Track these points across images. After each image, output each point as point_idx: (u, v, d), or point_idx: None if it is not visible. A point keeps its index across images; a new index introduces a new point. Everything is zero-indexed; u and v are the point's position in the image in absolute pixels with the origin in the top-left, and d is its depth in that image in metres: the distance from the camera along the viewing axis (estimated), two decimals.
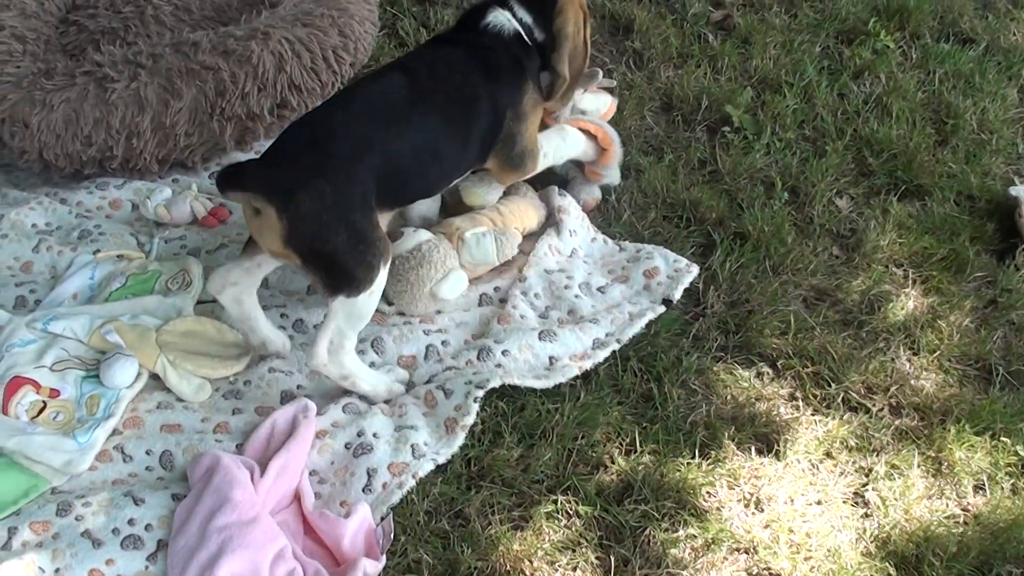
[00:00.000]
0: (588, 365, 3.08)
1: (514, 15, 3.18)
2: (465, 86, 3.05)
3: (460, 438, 2.84)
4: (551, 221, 3.48)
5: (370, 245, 2.71)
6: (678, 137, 3.90)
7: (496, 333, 3.13)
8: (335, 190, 2.67)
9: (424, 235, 3.20)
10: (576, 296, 3.28)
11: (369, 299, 2.75)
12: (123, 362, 2.91)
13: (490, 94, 3.08)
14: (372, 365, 3.03)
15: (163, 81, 3.51)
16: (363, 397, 2.95)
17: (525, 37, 3.19)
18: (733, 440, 2.94)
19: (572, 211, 3.49)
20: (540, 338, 3.11)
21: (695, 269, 3.38)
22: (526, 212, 3.44)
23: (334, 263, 2.69)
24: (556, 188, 3.53)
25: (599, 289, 3.33)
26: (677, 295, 3.30)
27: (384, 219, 2.91)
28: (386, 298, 3.19)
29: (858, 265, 3.50)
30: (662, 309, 3.26)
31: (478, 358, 3.04)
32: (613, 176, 3.57)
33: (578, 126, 3.46)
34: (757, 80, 4.14)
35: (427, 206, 3.41)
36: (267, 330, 3.03)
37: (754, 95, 4.05)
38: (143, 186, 3.58)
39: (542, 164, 3.32)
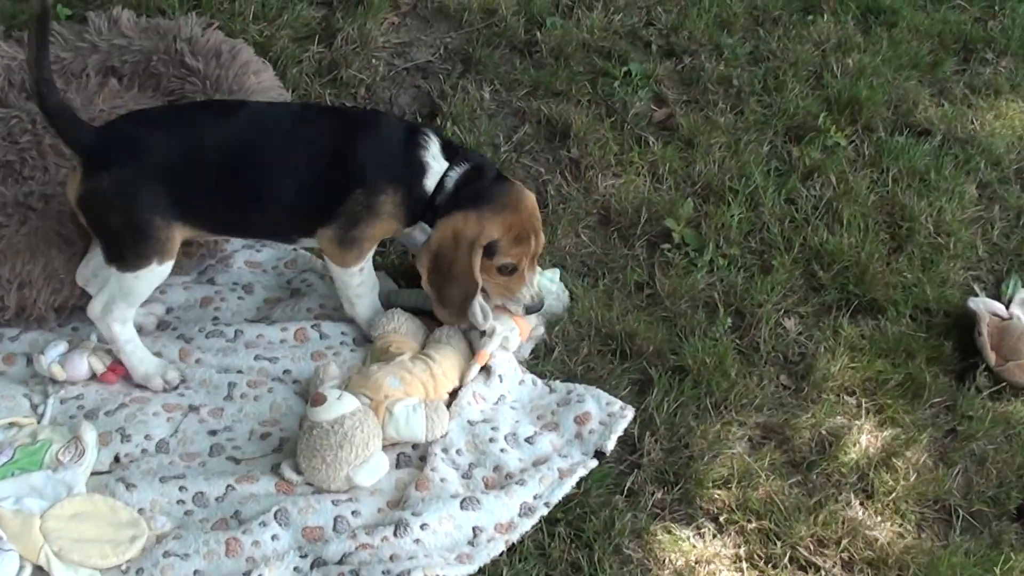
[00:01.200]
0: (515, 537, 2.83)
1: (446, 171, 3.15)
2: (325, 137, 3.10)
3: None
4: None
5: (147, 240, 3.00)
6: (615, 256, 3.66)
7: (414, 503, 2.88)
8: (134, 182, 2.96)
9: (349, 404, 2.96)
10: (502, 450, 3.04)
11: (136, 282, 3.05)
12: (1, 557, 2.66)
13: (348, 158, 3.06)
14: (275, 538, 2.80)
15: (55, 224, 3.29)
16: None
17: (430, 183, 3.14)
18: None
19: (500, 355, 3.25)
20: (462, 507, 2.86)
21: (630, 412, 3.14)
22: (457, 365, 3.21)
23: (109, 239, 3.04)
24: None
25: (527, 440, 3.08)
26: (610, 445, 3.05)
27: (187, 233, 3.09)
28: (297, 467, 2.95)
29: (807, 396, 3.26)
30: (594, 463, 3.01)
31: (395, 534, 2.79)
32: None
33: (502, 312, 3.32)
34: (701, 187, 3.91)
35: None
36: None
37: (696, 205, 3.82)
38: (39, 337, 3.34)
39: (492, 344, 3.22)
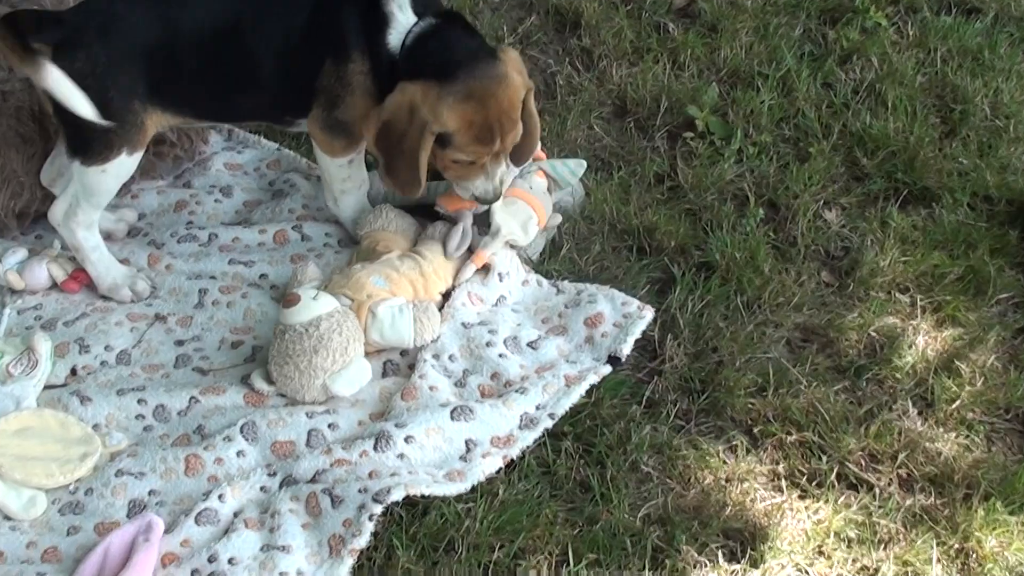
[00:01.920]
0: (514, 453, 2.44)
1: (412, 25, 2.66)
2: (293, 7, 2.70)
3: (347, 564, 2.21)
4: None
5: (120, 125, 2.63)
6: (632, 148, 3.25)
7: (398, 413, 2.50)
8: (107, 60, 2.60)
9: (326, 304, 2.57)
10: (501, 356, 2.64)
11: (101, 176, 2.71)
12: None
13: (319, 22, 2.67)
14: (240, 454, 2.44)
15: (13, 122, 2.91)
16: (222, 500, 2.32)
17: (393, 40, 2.67)
18: (696, 541, 2.29)
19: (502, 253, 2.84)
20: (453, 417, 2.47)
21: (649, 313, 2.73)
22: (449, 268, 2.81)
23: (76, 126, 2.61)
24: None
25: (529, 345, 2.68)
26: (626, 349, 2.65)
27: (165, 120, 2.75)
28: (268, 377, 2.56)
29: (854, 294, 2.85)
30: (607, 370, 2.62)
31: (375, 448, 2.41)
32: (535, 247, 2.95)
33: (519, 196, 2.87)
34: (727, 74, 3.49)
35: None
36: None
37: (722, 92, 3.40)
38: None
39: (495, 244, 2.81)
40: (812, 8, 3.73)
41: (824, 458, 2.46)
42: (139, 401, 2.56)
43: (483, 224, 2.85)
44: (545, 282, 2.86)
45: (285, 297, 2.59)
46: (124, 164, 2.72)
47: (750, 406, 2.57)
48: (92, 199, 2.76)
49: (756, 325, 2.73)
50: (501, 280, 2.80)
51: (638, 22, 3.70)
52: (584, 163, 3.02)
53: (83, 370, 2.69)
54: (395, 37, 2.64)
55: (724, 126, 3.28)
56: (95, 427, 2.53)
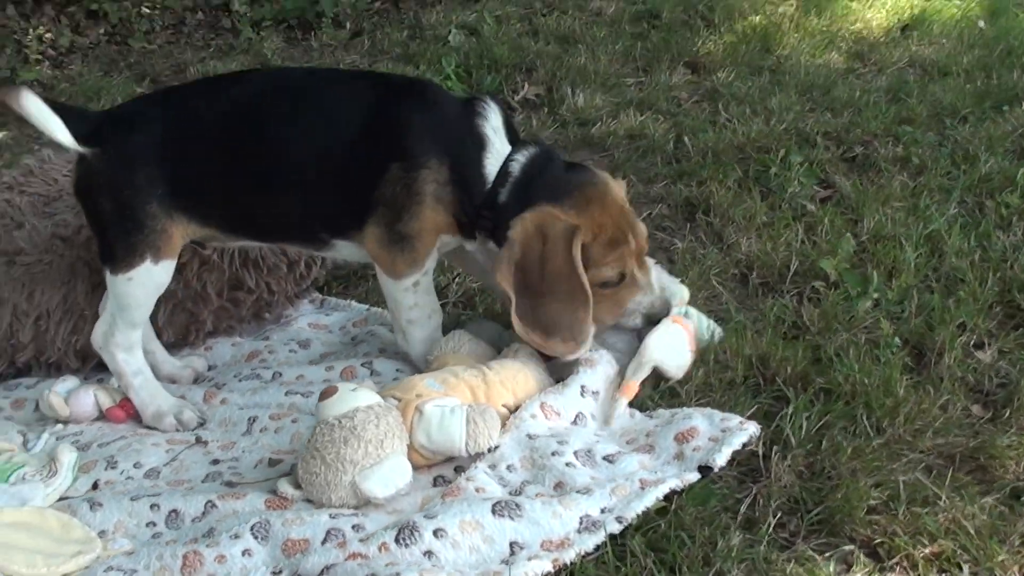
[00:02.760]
0: (568, 557, 1.98)
1: (510, 153, 2.49)
2: (356, 101, 2.48)
3: None
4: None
5: (139, 230, 2.49)
6: (754, 304, 2.88)
7: (431, 507, 2.09)
8: (126, 159, 2.49)
9: (365, 397, 2.24)
10: (568, 464, 2.21)
11: (129, 287, 2.54)
12: None
13: (384, 126, 2.42)
14: (246, 553, 2.04)
15: (82, 252, 2.84)
16: None
17: (490, 165, 2.48)
18: None
19: (601, 368, 2.48)
20: (495, 512, 2.04)
21: (752, 427, 2.28)
22: (523, 382, 2.45)
23: (100, 229, 2.56)
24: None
25: (606, 458, 2.25)
26: (720, 460, 2.19)
27: (190, 230, 2.56)
28: (297, 482, 2.22)
29: (1012, 421, 2.33)
30: (694, 477, 2.16)
31: (396, 540, 1.99)
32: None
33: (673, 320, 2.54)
34: (868, 238, 3.12)
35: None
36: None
37: (860, 248, 3.03)
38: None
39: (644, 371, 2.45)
40: (968, 187, 3.38)
41: (965, 569, 1.90)
42: (152, 507, 2.23)
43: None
44: (638, 414, 2.45)
45: (323, 391, 2.28)
46: (151, 273, 2.54)
47: (873, 523, 2.05)
48: (125, 314, 2.59)
49: (886, 445, 2.24)
50: (583, 395, 2.42)
51: (772, 206, 3.42)
52: (723, 333, 2.65)
53: (105, 484, 2.40)
54: (492, 163, 2.46)
55: (859, 279, 2.89)
56: (101, 534, 2.21)
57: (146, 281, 2.55)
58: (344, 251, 2.62)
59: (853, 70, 4.67)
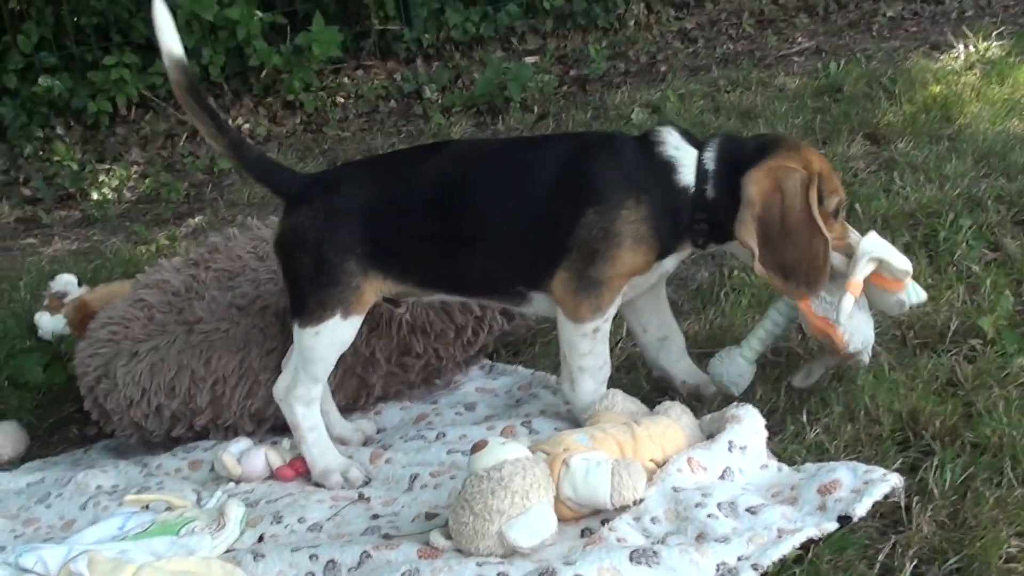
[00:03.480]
0: None
1: (698, 155, 2.61)
2: (547, 160, 2.65)
3: None
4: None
5: (334, 284, 2.65)
6: (911, 363, 2.89)
7: (571, 554, 2.20)
8: (329, 217, 2.66)
9: (514, 450, 2.37)
10: (710, 516, 2.28)
11: (315, 339, 2.69)
12: None
13: (576, 176, 2.56)
14: None
15: (257, 320, 3.06)
16: None
17: (686, 177, 2.59)
18: None
19: (748, 422, 2.54)
20: (633, 560, 2.13)
21: (895, 479, 2.30)
22: (672, 437, 2.55)
23: (294, 283, 2.70)
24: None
25: (748, 510, 2.31)
26: (860, 511, 2.22)
27: (386, 287, 2.72)
28: (448, 533, 2.36)
29: None
30: (832, 526, 2.20)
31: None
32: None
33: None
34: None
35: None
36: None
37: (1016, 304, 3.01)
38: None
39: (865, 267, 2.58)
40: None
41: None
42: (311, 557, 2.37)
43: None
44: (786, 468, 2.51)
45: (474, 445, 2.42)
46: (338, 329, 2.69)
47: (1011, 571, 2.05)
48: (309, 368, 2.73)
49: None
50: (731, 450, 2.49)
51: (938, 267, 3.42)
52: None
53: (270, 538, 2.57)
54: (687, 175, 2.59)
55: (1018, 335, 2.87)
56: None
57: (333, 336, 2.69)
58: (539, 304, 2.73)
59: None
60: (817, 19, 7.08)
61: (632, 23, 7.11)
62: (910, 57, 5.84)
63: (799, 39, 6.71)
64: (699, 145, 2.62)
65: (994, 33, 5.83)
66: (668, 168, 2.58)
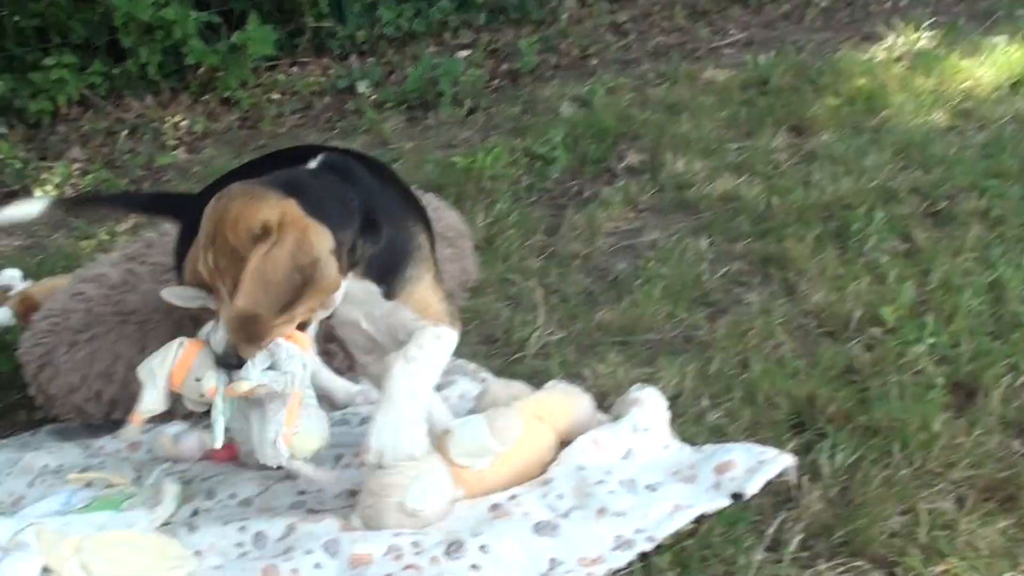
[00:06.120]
0: (602, 572, 2.16)
1: None
2: None
3: None
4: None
5: None
6: (814, 351, 3.01)
7: (479, 526, 2.30)
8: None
9: None
10: (611, 492, 2.40)
11: None
12: (14, 558, 2.31)
13: None
14: (317, 566, 2.29)
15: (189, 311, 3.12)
16: None
17: None
18: None
19: (649, 404, 2.65)
20: (537, 531, 2.25)
21: (788, 459, 2.43)
22: (555, 404, 2.65)
23: None
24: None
25: (648, 487, 2.42)
26: (751, 488, 2.35)
27: None
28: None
29: None
30: (725, 503, 2.32)
31: (446, 553, 2.21)
32: None
33: None
34: (935, 287, 3.23)
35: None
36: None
37: (925, 296, 3.14)
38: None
39: None
40: None
41: None
42: (240, 529, 2.49)
43: None
44: (688, 448, 2.62)
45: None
46: None
47: (893, 545, 2.18)
48: None
49: (916, 476, 2.36)
50: (634, 431, 2.60)
51: (847, 260, 3.54)
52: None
53: (204, 512, 2.67)
54: None
55: (916, 324, 3.00)
56: (197, 553, 2.48)
57: None
58: None
59: (955, 127, 4.72)
60: (750, 11, 7.17)
61: (564, 16, 7.19)
62: (840, 48, 5.94)
63: (731, 31, 6.81)
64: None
65: (924, 24, 5.93)
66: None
